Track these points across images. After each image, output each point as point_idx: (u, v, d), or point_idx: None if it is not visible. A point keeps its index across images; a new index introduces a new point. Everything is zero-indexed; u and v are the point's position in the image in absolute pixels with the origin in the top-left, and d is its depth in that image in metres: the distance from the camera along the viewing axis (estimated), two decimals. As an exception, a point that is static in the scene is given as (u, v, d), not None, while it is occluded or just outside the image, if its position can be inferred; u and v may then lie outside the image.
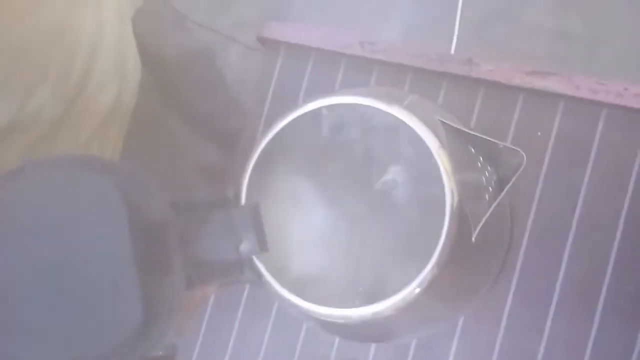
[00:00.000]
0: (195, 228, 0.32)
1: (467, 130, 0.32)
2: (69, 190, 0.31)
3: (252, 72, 0.69)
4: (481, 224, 0.29)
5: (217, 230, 0.32)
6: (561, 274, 0.50)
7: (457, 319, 0.45)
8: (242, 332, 0.57)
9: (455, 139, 0.31)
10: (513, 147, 0.30)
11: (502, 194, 0.30)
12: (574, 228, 0.50)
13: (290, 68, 0.60)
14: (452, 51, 0.78)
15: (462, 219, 0.29)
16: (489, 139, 0.31)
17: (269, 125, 0.56)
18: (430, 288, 0.31)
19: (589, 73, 0.52)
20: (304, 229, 0.33)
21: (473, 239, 0.29)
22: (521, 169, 0.30)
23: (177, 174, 0.76)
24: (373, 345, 0.50)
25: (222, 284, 0.39)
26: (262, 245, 0.32)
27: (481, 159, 0.33)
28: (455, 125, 0.31)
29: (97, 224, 0.30)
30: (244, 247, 0.32)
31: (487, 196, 0.31)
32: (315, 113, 0.33)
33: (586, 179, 0.51)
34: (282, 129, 0.34)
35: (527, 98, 0.53)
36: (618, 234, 0.48)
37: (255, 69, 0.66)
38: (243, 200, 0.34)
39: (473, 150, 0.32)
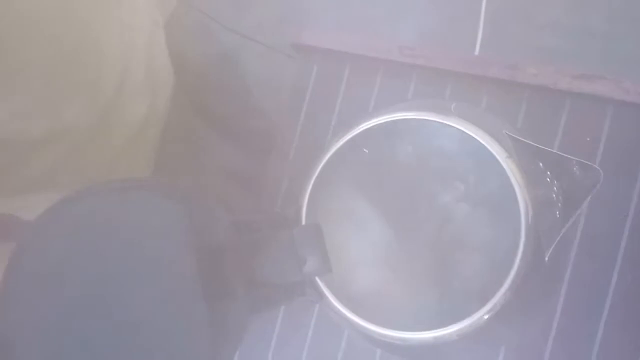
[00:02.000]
0: (258, 250, 0.31)
1: (535, 144, 0.30)
2: (134, 216, 0.30)
3: (273, 73, 0.68)
4: (554, 244, 0.28)
5: (281, 252, 0.31)
6: (612, 284, 0.48)
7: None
8: (281, 344, 0.56)
9: (522, 152, 0.30)
10: (588, 163, 0.29)
11: (578, 212, 0.29)
12: (625, 237, 0.49)
13: (327, 76, 0.58)
14: (477, 52, 0.76)
15: (536, 238, 0.28)
16: (560, 153, 0.30)
17: (305, 136, 0.55)
18: (499, 313, 0.30)
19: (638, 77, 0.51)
20: (365, 249, 0.32)
21: (546, 259, 0.28)
22: (598, 186, 0.28)
23: (209, 181, 0.75)
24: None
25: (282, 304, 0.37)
26: (326, 265, 0.31)
27: (549, 173, 0.31)
28: (522, 139, 0.30)
29: (163, 252, 0.29)
30: (308, 267, 0.31)
31: (557, 213, 0.30)
32: (370, 131, 0.31)
33: (638, 184, 0.50)
34: (340, 148, 0.32)
35: (575, 103, 0.52)
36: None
37: (275, 70, 0.66)
38: (304, 220, 0.33)
39: (541, 164, 0.31)
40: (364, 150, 0.32)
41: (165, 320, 0.28)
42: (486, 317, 0.29)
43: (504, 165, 0.29)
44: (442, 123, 0.31)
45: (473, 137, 0.31)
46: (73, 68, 0.57)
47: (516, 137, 0.30)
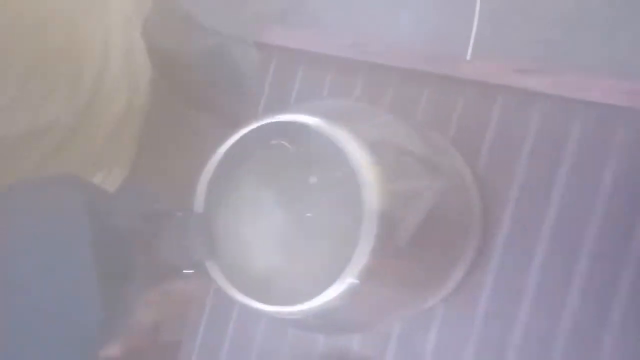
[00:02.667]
0: (156, 235, 0.35)
1: (410, 149, 0.33)
2: (42, 207, 0.34)
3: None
4: (410, 230, 0.31)
5: (172, 237, 0.35)
6: (535, 266, 0.50)
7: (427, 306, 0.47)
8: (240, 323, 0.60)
9: (394, 153, 0.33)
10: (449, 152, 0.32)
11: (428, 200, 0.31)
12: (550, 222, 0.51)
13: (282, 72, 0.62)
14: (470, 50, 0.78)
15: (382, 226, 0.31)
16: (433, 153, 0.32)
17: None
18: (372, 281, 0.33)
19: (575, 70, 0.53)
20: (255, 234, 0.36)
21: (402, 243, 0.31)
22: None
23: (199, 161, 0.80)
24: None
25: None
26: (210, 252, 0.35)
27: (424, 167, 0.34)
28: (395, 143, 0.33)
29: (64, 237, 0.33)
30: (194, 252, 0.35)
31: (423, 203, 0.33)
32: (264, 128, 0.35)
33: (563, 174, 0.51)
34: (235, 143, 0.36)
35: (507, 97, 0.54)
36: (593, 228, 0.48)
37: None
38: (199, 207, 0.37)
39: (417, 161, 0.34)
40: (259, 143, 0.36)
41: (61, 296, 0.33)
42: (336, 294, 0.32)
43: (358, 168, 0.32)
44: (323, 129, 0.34)
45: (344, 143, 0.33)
46: (53, 65, 0.62)
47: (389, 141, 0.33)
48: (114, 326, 0.33)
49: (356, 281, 0.32)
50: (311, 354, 0.57)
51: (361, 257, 0.30)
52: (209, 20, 0.77)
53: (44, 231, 0.33)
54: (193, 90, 0.86)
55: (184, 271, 0.36)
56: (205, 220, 0.35)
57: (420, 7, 0.85)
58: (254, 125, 0.35)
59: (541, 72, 0.52)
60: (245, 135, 0.36)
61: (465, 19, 0.78)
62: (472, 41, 0.72)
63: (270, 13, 0.75)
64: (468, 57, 0.73)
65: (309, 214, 0.34)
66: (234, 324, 0.60)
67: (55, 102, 0.63)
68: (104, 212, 0.33)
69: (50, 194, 0.34)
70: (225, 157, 0.37)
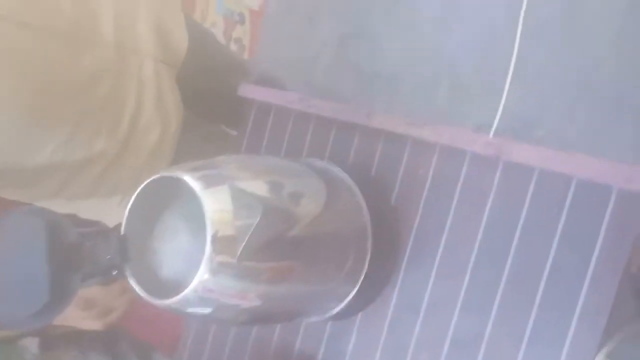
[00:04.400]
0: (88, 245, 0.54)
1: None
2: (14, 227, 0.55)
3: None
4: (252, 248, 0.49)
5: (98, 246, 0.53)
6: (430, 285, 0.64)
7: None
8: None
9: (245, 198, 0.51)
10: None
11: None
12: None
13: (258, 120, 0.80)
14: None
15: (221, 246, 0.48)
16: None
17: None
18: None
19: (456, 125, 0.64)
20: (162, 248, 0.55)
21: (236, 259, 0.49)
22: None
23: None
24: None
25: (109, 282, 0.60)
26: (125, 261, 0.53)
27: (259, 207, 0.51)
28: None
29: (28, 244, 0.53)
30: (112, 258, 0.54)
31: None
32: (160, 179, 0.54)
33: (452, 210, 0.64)
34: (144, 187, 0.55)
35: (413, 145, 0.67)
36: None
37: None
38: (121, 230, 0.56)
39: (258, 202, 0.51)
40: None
41: (20, 280, 0.53)
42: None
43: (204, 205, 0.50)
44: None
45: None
46: (100, 110, 0.84)
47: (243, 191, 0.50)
48: (56, 307, 0.52)
49: (205, 276, 0.50)
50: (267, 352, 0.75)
51: (204, 264, 0.48)
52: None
53: (16, 242, 0.54)
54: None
55: (112, 273, 0.55)
56: (120, 236, 0.54)
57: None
58: (150, 179, 0.54)
59: (430, 125, 0.65)
60: (148, 184, 0.55)
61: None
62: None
63: (333, 37, 0.80)
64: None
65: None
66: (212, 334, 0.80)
67: (102, 137, 0.85)
68: (57, 230, 0.53)
69: (20, 218, 0.55)
70: (142, 196, 0.55)
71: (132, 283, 0.54)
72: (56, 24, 0.77)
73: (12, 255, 0.54)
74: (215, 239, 0.49)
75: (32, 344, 0.86)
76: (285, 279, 0.57)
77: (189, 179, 0.51)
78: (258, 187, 0.54)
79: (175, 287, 0.53)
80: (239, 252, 0.49)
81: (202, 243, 0.50)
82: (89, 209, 0.77)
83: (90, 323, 0.84)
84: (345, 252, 0.63)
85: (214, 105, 1.01)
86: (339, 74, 0.77)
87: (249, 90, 0.80)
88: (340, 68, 0.77)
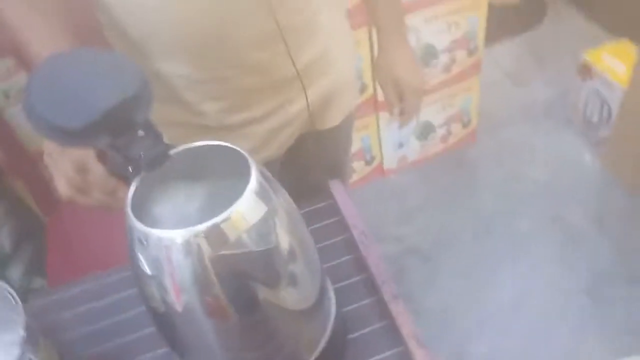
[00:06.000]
0: (141, 128, 0.58)
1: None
2: (109, 60, 0.59)
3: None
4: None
5: (146, 139, 0.58)
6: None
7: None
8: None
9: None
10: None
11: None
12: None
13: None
14: None
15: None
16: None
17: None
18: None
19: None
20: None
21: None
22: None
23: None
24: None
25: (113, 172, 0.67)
26: (147, 169, 0.58)
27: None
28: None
29: (109, 77, 0.57)
30: (141, 158, 0.58)
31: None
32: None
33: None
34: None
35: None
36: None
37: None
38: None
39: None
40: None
41: (79, 103, 0.56)
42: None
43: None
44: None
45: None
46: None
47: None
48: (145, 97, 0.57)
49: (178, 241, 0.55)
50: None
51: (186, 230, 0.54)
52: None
53: (98, 69, 0.58)
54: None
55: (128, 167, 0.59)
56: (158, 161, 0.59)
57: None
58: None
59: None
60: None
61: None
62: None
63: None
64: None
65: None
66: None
67: (262, 106, 0.96)
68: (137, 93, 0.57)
69: (119, 59, 0.59)
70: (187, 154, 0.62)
71: (128, 196, 0.59)
72: None
73: (89, 76, 0.58)
74: (215, 227, 0.54)
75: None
76: (216, 318, 0.62)
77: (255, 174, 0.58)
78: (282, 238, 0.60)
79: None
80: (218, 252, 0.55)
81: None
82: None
83: (64, 190, 0.72)
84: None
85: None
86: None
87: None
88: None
